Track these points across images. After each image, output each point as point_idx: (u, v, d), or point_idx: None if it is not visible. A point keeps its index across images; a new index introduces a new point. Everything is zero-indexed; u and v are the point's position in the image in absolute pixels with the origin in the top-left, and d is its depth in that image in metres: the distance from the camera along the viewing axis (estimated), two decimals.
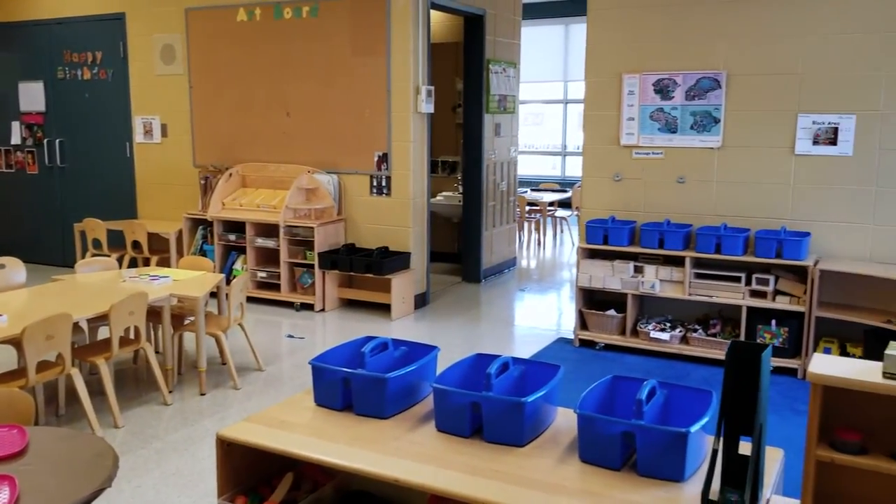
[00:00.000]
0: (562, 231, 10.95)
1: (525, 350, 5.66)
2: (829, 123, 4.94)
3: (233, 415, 4.39)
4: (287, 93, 7.06)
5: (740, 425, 2.13)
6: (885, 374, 2.04)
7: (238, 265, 6.98)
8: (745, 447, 2.10)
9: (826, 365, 2.13)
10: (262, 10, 7.05)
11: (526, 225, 10.28)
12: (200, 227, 7.26)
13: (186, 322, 4.90)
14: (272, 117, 7.18)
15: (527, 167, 12.77)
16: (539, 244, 10.32)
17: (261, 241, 6.82)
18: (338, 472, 2.61)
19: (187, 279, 4.90)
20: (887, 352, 2.05)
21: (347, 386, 2.62)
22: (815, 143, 4.99)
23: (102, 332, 4.67)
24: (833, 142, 4.94)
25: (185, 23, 7.47)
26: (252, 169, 7.25)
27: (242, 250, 6.96)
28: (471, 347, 5.51)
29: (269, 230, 6.82)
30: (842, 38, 4.89)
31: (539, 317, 6.74)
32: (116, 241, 7.55)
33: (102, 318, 4.16)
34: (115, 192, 8.18)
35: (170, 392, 4.62)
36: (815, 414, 2.10)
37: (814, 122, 4.98)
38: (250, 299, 6.65)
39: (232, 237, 6.95)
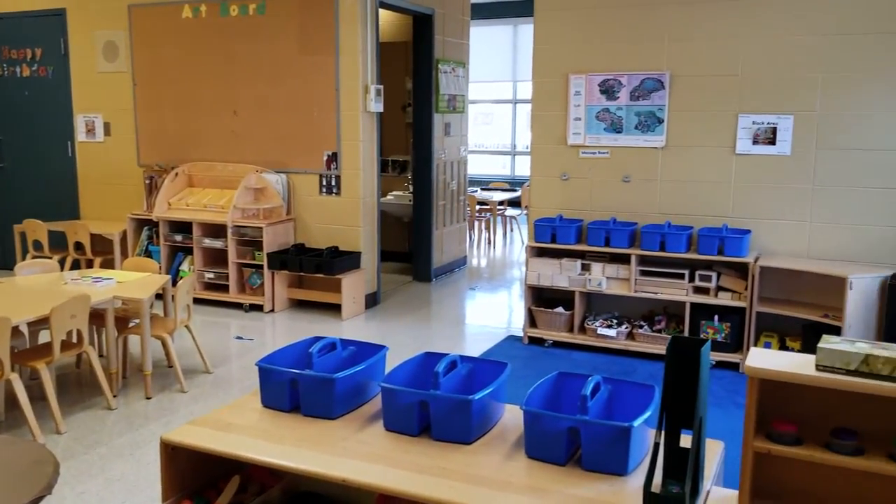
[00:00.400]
0: (511, 230, 11.03)
1: (475, 348, 5.70)
2: (768, 123, 5.08)
3: (179, 418, 4.33)
4: (234, 91, 6.98)
5: (681, 419, 2.18)
6: (819, 367, 2.11)
7: (185, 266, 6.88)
8: (686, 440, 2.16)
9: (762, 359, 2.19)
10: (207, 7, 6.95)
11: (476, 224, 10.33)
12: (146, 228, 7.13)
13: (131, 325, 4.82)
14: (219, 116, 7.08)
15: (477, 166, 12.82)
16: (489, 243, 10.38)
17: (208, 242, 6.73)
18: (285, 473, 2.60)
19: (132, 281, 4.81)
20: (820, 345, 2.12)
21: (295, 387, 2.60)
22: (755, 142, 5.13)
23: (43, 336, 4.55)
24: (772, 141, 5.08)
25: (128, 19, 7.32)
26: (199, 168, 7.14)
27: (189, 251, 6.86)
28: (422, 346, 5.52)
29: (216, 230, 6.73)
30: (780, 41, 5.03)
31: (489, 315, 6.79)
32: (58, 242, 7.37)
33: (43, 322, 4.06)
34: (57, 192, 7.98)
35: (114, 396, 4.53)
36: (751, 407, 2.16)
37: (753, 123, 5.12)
38: (198, 301, 6.56)
39: (178, 238, 6.84)
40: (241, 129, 7.00)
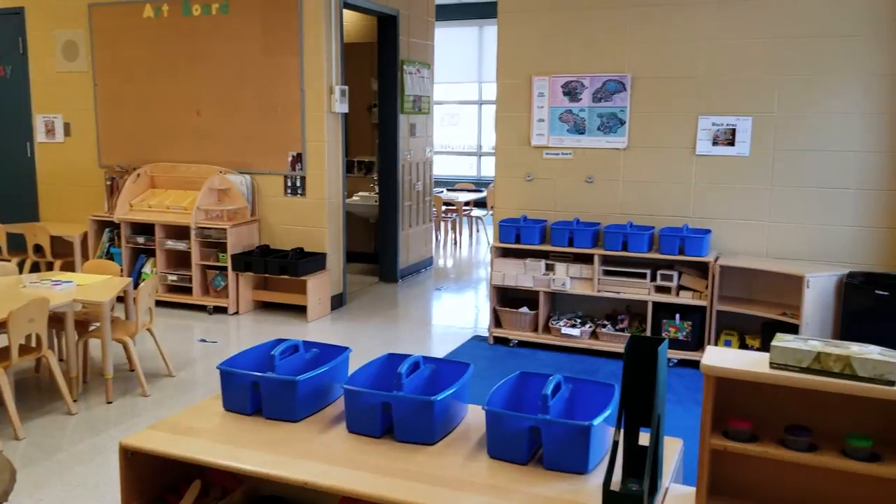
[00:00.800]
0: (477, 230, 11.07)
1: (441, 348, 5.71)
2: (727, 125, 5.17)
3: (142, 423, 4.28)
4: (197, 91, 6.92)
5: (640, 417, 2.22)
6: (773, 365, 2.16)
7: (147, 268, 6.79)
8: (645, 438, 2.19)
9: (718, 357, 2.23)
10: (169, 6, 6.88)
11: (442, 224, 10.35)
12: (107, 230, 7.03)
13: (92, 328, 4.75)
14: (182, 116, 7.01)
15: (443, 167, 12.85)
16: (455, 243, 10.41)
17: (171, 244, 6.66)
18: (247, 477, 2.59)
19: (92, 284, 4.74)
20: (774, 343, 2.17)
21: (257, 390, 2.59)
22: (715, 143, 5.21)
23: (1, 340, 4.47)
24: (731, 142, 5.17)
25: (88, 18, 7.22)
26: (161, 169, 7.06)
27: (152, 253, 6.78)
28: (388, 347, 5.52)
29: (179, 232, 6.66)
30: (738, 44, 5.12)
31: (455, 315, 6.80)
32: (17, 244, 7.23)
33: (1, 326, 3.99)
34: (16, 193, 7.83)
35: (74, 401, 4.47)
36: (708, 404, 2.20)
37: (713, 124, 5.20)
38: (161, 303, 6.49)
39: (140, 240, 6.76)
40: (205, 129, 6.94)
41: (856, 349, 2.06)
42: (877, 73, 4.82)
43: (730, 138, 5.16)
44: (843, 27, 4.85)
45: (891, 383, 1.96)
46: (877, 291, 4.59)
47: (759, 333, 5.10)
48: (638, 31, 5.34)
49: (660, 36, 5.29)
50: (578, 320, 5.54)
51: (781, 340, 2.18)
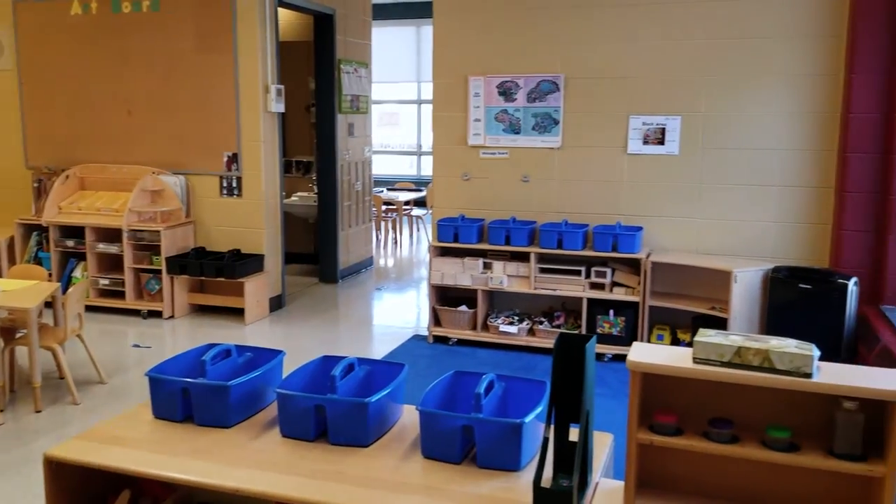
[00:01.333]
0: (418, 229, 11.08)
1: (381, 348, 5.71)
2: (657, 124, 5.29)
3: (72, 431, 4.17)
4: (128, 90, 6.76)
5: (570, 413, 2.26)
6: (696, 360, 2.22)
7: (77, 273, 6.61)
8: (576, 434, 2.23)
9: (643, 353, 2.29)
10: (98, 3, 6.70)
11: (383, 224, 10.33)
12: (35, 234, 6.81)
13: (18, 335, 4.60)
14: (112, 116, 6.84)
15: (384, 167, 12.82)
16: (396, 243, 10.40)
17: (102, 247, 6.49)
18: (178, 485, 2.55)
19: (18, 289, 4.59)
20: (696, 339, 2.24)
21: (187, 396, 2.56)
22: (646, 142, 5.33)
23: None
24: (661, 142, 5.29)
25: (12, 15, 6.98)
26: (91, 170, 6.88)
27: (82, 257, 6.60)
28: (327, 349, 5.49)
29: (111, 235, 6.49)
30: (666, 45, 5.24)
31: (396, 315, 6.81)
32: None
33: None
34: None
35: (1, 411, 4.33)
36: (634, 400, 2.26)
37: (644, 123, 5.32)
38: (93, 308, 6.33)
39: (70, 243, 6.57)
40: (136, 129, 6.79)
41: (774, 343, 2.14)
42: (798, 74, 4.99)
43: (660, 137, 5.29)
44: (766, 30, 5.01)
45: (807, 375, 2.04)
46: (800, 285, 4.76)
47: (689, 327, 5.23)
48: (571, 32, 5.42)
49: (592, 37, 5.38)
50: (516, 318, 5.60)
51: (704, 336, 2.25)
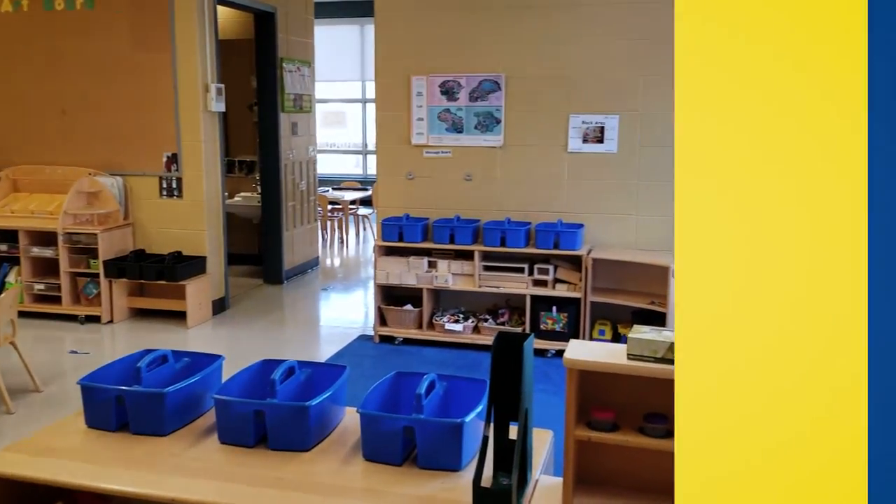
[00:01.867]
0: (364, 229, 11.02)
1: (327, 349, 5.68)
2: (596, 123, 5.37)
3: (5, 442, 4.02)
4: (62, 90, 6.58)
5: (509, 411, 2.28)
6: (630, 356, 2.27)
7: (11, 278, 6.42)
8: (515, 432, 2.25)
9: (579, 350, 2.33)
10: (29, 0, 6.51)
11: (328, 224, 10.26)
12: None
13: None
14: (46, 116, 6.65)
15: (329, 166, 12.71)
16: (342, 242, 10.34)
17: (37, 251, 6.32)
18: (113, 497, 2.50)
19: None
20: (630, 335, 2.28)
21: (122, 404, 2.51)
22: (585, 141, 5.40)
23: None
24: (600, 140, 5.37)
25: None
26: (24, 172, 6.69)
27: (16, 261, 6.40)
28: (272, 352, 5.43)
29: (46, 238, 6.32)
30: (604, 45, 5.31)
31: (342, 315, 6.78)
32: None
33: None
34: None
35: None
36: (571, 396, 2.29)
37: (583, 122, 5.39)
38: (28, 314, 6.15)
39: (3, 247, 6.37)
40: (71, 129, 6.61)
41: None
42: None
43: (599, 136, 5.36)
44: None
45: None
46: None
47: (630, 322, 5.32)
48: (511, 31, 5.46)
49: (532, 36, 5.43)
50: (461, 316, 5.62)
51: (637, 332, 2.29)
